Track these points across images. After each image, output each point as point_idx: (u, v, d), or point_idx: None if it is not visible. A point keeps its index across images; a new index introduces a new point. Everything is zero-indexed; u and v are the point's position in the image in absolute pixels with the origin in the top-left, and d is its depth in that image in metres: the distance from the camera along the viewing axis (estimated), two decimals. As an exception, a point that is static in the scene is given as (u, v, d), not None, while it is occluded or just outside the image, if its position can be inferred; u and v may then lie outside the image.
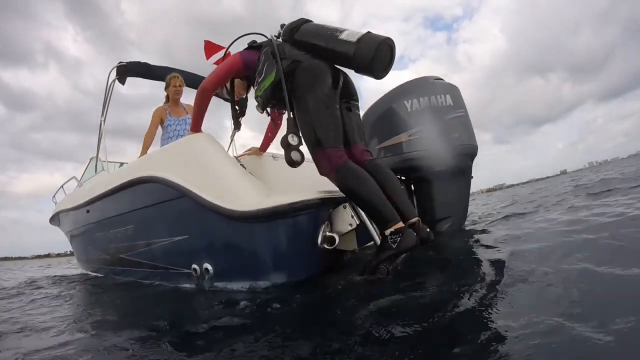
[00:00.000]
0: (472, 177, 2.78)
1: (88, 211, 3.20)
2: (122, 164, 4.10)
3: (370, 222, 1.81)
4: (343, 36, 1.75)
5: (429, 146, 2.44)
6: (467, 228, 2.94)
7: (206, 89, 2.04)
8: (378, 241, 1.80)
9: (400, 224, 1.61)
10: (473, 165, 2.76)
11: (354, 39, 1.71)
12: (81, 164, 4.14)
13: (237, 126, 2.33)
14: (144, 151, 3.14)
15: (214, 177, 1.97)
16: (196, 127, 2.21)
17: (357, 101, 1.99)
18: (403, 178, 2.71)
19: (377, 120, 2.60)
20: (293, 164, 1.72)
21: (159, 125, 3.20)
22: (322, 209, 1.81)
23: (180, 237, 2.21)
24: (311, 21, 1.96)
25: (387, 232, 1.62)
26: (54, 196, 4.54)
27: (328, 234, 1.80)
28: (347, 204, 1.85)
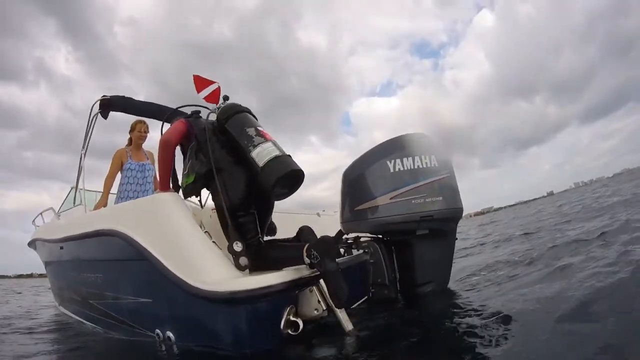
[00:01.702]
0: (456, 239, 2.68)
1: (62, 247, 3.11)
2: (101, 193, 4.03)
3: (338, 308, 1.74)
4: (253, 154, 1.88)
5: (411, 210, 2.34)
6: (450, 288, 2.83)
7: (168, 144, 2.08)
8: (346, 327, 1.74)
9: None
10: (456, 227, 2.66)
11: (260, 162, 1.84)
12: (67, 185, 4.07)
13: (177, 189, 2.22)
14: (105, 193, 3.14)
15: (177, 244, 1.89)
16: (163, 184, 2.17)
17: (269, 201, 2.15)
18: (384, 239, 2.60)
19: (358, 179, 2.48)
20: (242, 268, 1.80)
21: (119, 168, 3.16)
22: (286, 292, 1.72)
23: (144, 299, 2.13)
24: (244, 111, 2.11)
25: (305, 256, 1.75)
26: (33, 220, 4.46)
27: (292, 318, 1.72)
28: (314, 288, 1.76)
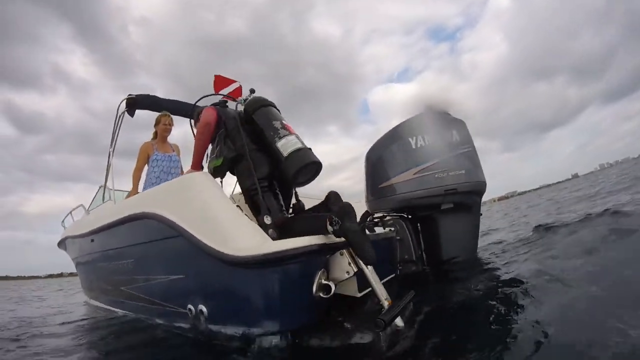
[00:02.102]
0: (481, 215, 2.67)
1: (92, 240, 3.20)
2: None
3: (369, 270, 1.74)
4: (279, 145, 2.03)
5: (435, 184, 2.36)
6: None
7: (206, 127, 2.21)
8: (377, 289, 1.73)
9: None
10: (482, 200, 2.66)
11: (285, 152, 2.00)
12: (92, 185, 4.18)
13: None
14: (135, 185, 3.21)
15: (210, 218, 1.93)
16: (196, 165, 2.27)
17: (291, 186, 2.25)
18: (409, 217, 2.61)
19: (380, 158, 2.53)
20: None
21: (146, 160, 3.24)
22: (317, 255, 1.74)
23: (176, 276, 2.17)
24: (270, 105, 2.24)
25: (327, 225, 1.77)
26: (62, 221, 4.60)
27: (324, 282, 1.74)
28: (344, 251, 1.77)
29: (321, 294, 1.72)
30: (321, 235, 1.80)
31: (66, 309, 4.63)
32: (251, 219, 1.97)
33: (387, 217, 2.68)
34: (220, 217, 1.92)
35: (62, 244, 4.55)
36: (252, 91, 2.41)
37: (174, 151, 3.38)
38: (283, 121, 2.15)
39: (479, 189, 2.52)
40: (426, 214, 2.52)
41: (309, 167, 2.04)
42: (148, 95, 3.50)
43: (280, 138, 2.05)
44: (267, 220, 1.94)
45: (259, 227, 1.89)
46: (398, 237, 2.54)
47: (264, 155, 2.12)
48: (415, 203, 2.41)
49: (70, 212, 4.32)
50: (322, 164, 2.11)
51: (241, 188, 2.16)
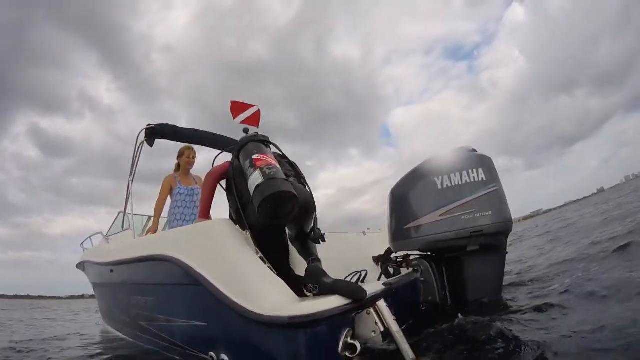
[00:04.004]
0: (506, 253, 2.59)
1: (112, 271, 3.21)
2: (149, 217, 4.17)
3: (396, 328, 1.70)
4: (249, 185, 1.90)
5: (461, 226, 2.29)
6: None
7: (209, 178, 2.24)
8: (402, 346, 1.69)
9: None
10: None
11: (251, 191, 1.87)
12: (114, 209, 4.21)
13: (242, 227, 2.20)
14: (156, 219, 3.23)
15: (233, 268, 1.90)
16: (205, 213, 2.27)
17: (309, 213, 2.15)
18: (433, 256, 2.55)
19: (405, 197, 2.48)
20: None
21: (169, 193, 3.25)
22: (344, 315, 1.70)
23: (198, 323, 2.15)
24: (250, 141, 2.08)
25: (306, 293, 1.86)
26: (82, 243, 4.65)
27: (350, 341, 1.69)
28: (371, 310, 1.73)
29: (347, 354, 1.68)
30: (349, 295, 1.75)
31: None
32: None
33: (411, 257, 2.62)
34: (243, 269, 1.89)
35: (81, 266, 4.60)
36: (246, 131, 2.33)
37: (197, 184, 3.38)
38: (253, 156, 1.95)
39: (506, 228, 2.44)
40: (452, 255, 2.46)
41: (271, 201, 1.80)
42: (167, 124, 3.50)
43: (248, 179, 1.90)
44: None
45: (283, 283, 1.86)
46: (422, 279, 2.48)
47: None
48: (441, 245, 2.36)
49: (90, 237, 4.37)
50: (309, 193, 2.03)
51: None
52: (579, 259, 3.45)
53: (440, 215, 2.33)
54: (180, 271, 2.12)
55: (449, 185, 2.36)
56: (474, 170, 2.38)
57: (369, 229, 4.01)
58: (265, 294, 1.76)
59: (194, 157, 3.35)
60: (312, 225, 2.16)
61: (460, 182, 2.35)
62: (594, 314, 1.94)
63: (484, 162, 2.45)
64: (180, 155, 3.32)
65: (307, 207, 2.11)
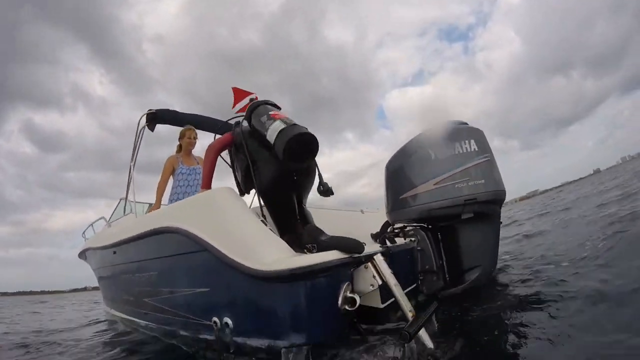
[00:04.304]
0: (501, 223, 2.67)
1: (115, 252, 3.27)
2: (150, 204, 4.22)
3: (393, 282, 1.76)
4: (267, 135, 2.04)
5: (455, 194, 2.37)
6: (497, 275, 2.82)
7: (210, 150, 2.35)
8: (401, 301, 1.75)
9: None
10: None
11: (272, 140, 2.01)
12: (112, 201, 4.25)
13: (241, 193, 2.37)
14: (159, 198, 3.29)
15: (235, 232, 1.96)
16: (207, 184, 2.34)
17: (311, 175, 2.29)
18: (429, 227, 2.62)
19: (400, 169, 2.55)
20: None
21: (171, 173, 3.32)
22: (343, 269, 1.77)
23: (201, 289, 2.20)
24: (261, 103, 2.26)
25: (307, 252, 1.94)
26: (83, 232, 4.70)
27: (349, 294, 1.76)
28: (368, 264, 1.80)
29: (347, 307, 1.74)
30: (347, 249, 1.82)
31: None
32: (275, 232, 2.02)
33: (408, 228, 2.69)
34: (244, 231, 1.95)
35: (82, 254, 4.64)
36: (252, 100, 2.49)
37: (198, 164, 3.45)
38: (270, 112, 2.14)
39: (499, 197, 2.51)
40: (447, 224, 2.53)
41: (297, 140, 1.97)
42: (168, 110, 3.58)
43: (267, 130, 2.05)
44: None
45: (283, 242, 1.93)
46: (419, 248, 2.55)
47: (272, 158, 2.12)
48: (435, 213, 2.42)
49: (92, 224, 4.42)
50: (316, 137, 2.04)
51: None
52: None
53: (434, 185, 2.40)
54: (184, 240, 2.18)
55: (442, 156, 2.43)
56: (466, 142, 2.46)
57: (367, 208, 4.07)
58: (266, 252, 1.83)
59: (195, 138, 3.43)
60: (319, 180, 2.30)
61: (453, 153, 2.42)
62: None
63: (476, 134, 2.52)
64: (182, 136, 3.40)
65: (309, 170, 2.26)
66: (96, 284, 4.72)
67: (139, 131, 3.56)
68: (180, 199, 3.24)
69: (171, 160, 3.33)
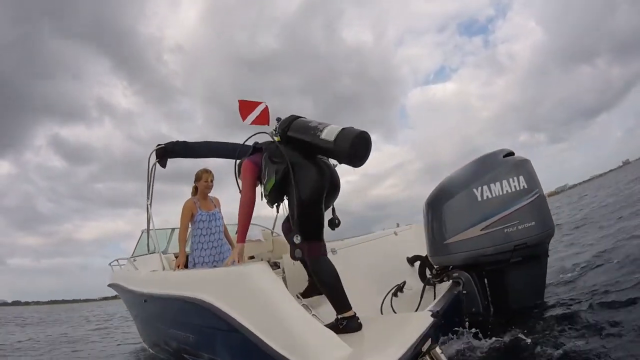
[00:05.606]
0: (547, 257, 2.50)
1: (145, 301, 3.19)
2: (172, 229, 4.13)
3: None
4: (323, 135, 2.00)
5: (504, 240, 2.19)
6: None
7: (245, 204, 2.23)
8: None
9: (352, 313, 1.97)
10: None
11: (331, 138, 1.96)
12: (141, 210, 3.93)
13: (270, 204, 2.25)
14: (182, 248, 3.18)
15: (275, 317, 1.82)
16: (241, 237, 2.27)
17: (338, 191, 2.24)
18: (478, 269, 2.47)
19: (444, 210, 2.37)
20: (294, 259, 2.06)
21: (190, 219, 3.19)
22: None
23: None
24: (299, 117, 2.22)
25: (340, 316, 1.97)
26: (110, 263, 4.67)
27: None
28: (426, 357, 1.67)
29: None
30: (406, 344, 1.68)
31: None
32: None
33: (452, 269, 2.54)
34: (286, 318, 1.81)
35: (113, 286, 4.62)
36: (279, 119, 2.32)
37: (216, 207, 3.30)
38: (315, 119, 2.14)
39: (548, 236, 2.34)
40: (494, 268, 2.36)
41: (360, 139, 1.98)
42: (177, 141, 3.37)
43: (322, 130, 2.02)
44: (297, 240, 2.00)
45: (329, 330, 1.79)
46: (464, 291, 2.41)
47: (311, 162, 2.09)
48: (483, 260, 2.27)
49: (117, 260, 4.38)
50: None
51: (289, 204, 2.10)
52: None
53: (481, 230, 2.22)
54: (216, 317, 2.04)
55: (489, 196, 2.23)
56: (515, 179, 2.24)
57: (397, 225, 3.92)
58: (314, 348, 1.69)
59: (212, 181, 3.23)
60: (332, 212, 2.24)
61: (500, 193, 2.22)
62: None
63: (524, 168, 2.31)
64: (198, 179, 3.21)
65: (336, 183, 2.21)
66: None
67: (150, 168, 3.38)
68: (202, 249, 3.13)
69: (189, 206, 3.16)
